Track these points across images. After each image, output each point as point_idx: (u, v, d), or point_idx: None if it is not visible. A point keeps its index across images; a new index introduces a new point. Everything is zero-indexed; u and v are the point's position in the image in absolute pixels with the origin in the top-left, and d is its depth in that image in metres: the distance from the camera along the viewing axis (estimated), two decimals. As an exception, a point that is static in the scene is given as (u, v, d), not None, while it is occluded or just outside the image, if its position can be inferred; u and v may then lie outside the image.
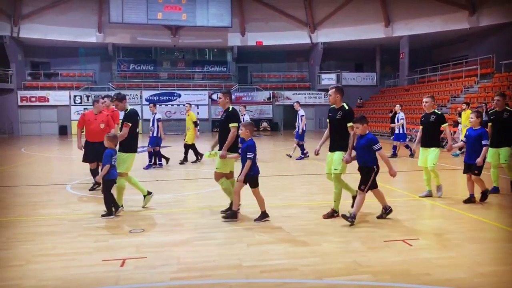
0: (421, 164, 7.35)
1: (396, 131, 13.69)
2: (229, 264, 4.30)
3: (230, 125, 6.07)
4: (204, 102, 32.09)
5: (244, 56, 34.69)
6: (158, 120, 11.78)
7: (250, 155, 5.76)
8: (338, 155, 5.88)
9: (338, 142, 5.96)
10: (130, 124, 6.57)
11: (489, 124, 7.74)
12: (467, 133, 7.10)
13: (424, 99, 7.41)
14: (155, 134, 11.68)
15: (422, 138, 7.38)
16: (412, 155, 13.31)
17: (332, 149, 6.03)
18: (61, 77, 32.54)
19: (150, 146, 11.69)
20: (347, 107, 5.98)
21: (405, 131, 13.70)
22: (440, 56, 32.10)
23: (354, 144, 5.82)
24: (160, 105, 30.06)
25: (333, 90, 6.04)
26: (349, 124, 5.84)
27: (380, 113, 27.48)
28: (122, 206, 6.41)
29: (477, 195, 7.00)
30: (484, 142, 6.73)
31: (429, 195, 7.37)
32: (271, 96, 32.89)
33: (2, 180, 10.25)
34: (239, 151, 6.00)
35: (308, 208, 6.78)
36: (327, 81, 33.29)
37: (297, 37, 32.85)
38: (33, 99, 29.89)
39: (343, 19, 31.17)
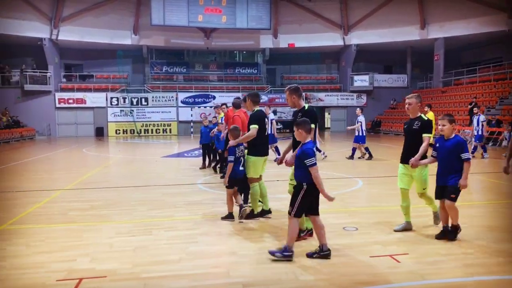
0: (402, 186, 5.52)
1: (356, 133, 13.93)
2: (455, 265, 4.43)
3: (251, 126, 6.16)
4: (239, 104, 32.15)
5: (273, 58, 34.88)
6: None
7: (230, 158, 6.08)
8: None
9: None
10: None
11: None
12: (437, 144, 5.24)
13: (407, 100, 5.51)
14: None
15: (403, 150, 5.54)
16: (370, 157, 13.71)
17: None
18: (95, 79, 32.63)
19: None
20: (307, 108, 5.17)
21: (364, 134, 13.85)
22: (469, 58, 32.34)
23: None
24: (199, 107, 30.26)
25: (287, 92, 5.24)
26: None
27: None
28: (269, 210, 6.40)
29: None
30: (465, 155, 4.94)
31: (407, 227, 5.52)
32: (304, 98, 33.00)
33: (125, 180, 10.23)
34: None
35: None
36: (360, 83, 33.58)
37: (330, 39, 33.08)
38: (71, 100, 29.99)
39: (378, 21, 31.42)
